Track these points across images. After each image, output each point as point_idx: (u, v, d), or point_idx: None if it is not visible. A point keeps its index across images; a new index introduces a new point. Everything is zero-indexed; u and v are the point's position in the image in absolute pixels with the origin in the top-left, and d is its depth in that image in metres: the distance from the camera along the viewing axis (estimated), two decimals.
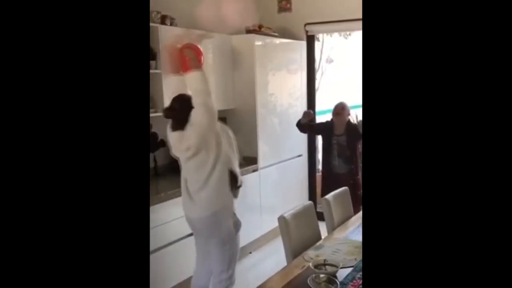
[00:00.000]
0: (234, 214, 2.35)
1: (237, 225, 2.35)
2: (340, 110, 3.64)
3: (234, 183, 2.30)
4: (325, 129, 3.73)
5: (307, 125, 3.77)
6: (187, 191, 2.31)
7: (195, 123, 2.19)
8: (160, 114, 3.01)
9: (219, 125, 2.29)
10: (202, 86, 2.24)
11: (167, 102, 3.06)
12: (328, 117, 3.84)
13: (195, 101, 2.21)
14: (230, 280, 2.34)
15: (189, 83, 2.27)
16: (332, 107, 3.82)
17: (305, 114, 3.76)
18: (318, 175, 5.00)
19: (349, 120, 3.70)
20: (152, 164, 3.31)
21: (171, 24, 3.15)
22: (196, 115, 2.19)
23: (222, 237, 2.29)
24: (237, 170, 2.35)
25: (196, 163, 2.24)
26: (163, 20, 3.10)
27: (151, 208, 2.60)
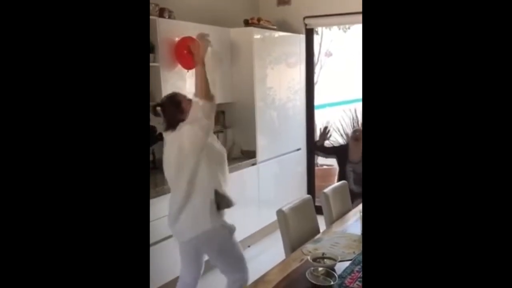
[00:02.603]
0: (224, 225, 2.22)
1: (230, 231, 2.25)
2: (359, 136, 3.50)
3: (223, 205, 2.20)
4: (339, 153, 3.61)
5: (321, 147, 3.67)
6: (169, 209, 2.27)
7: (185, 139, 2.13)
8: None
9: (208, 142, 2.17)
10: (210, 113, 2.15)
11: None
12: (327, 113, 3.83)
13: (196, 121, 2.12)
14: (244, 276, 2.27)
15: (203, 109, 2.13)
16: (330, 101, 3.81)
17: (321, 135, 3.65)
18: (317, 169, 5.02)
19: None
20: (150, 158, 3.31)
21: (169, 17, 3.13)
22: (189, 134, 2.12)
23: (217, 249, 2.24)
24: (226, 190, 2.23)
25: (174, 181, 2.21)
26: (161, 13, 3.08)
27: (150, 202, 2.60)
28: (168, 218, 2.30)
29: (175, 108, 2.20)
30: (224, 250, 2.24)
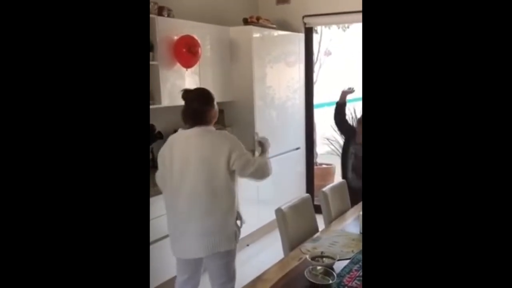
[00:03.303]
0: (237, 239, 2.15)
1: (237, 239, 2.16)
2: None
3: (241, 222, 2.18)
4: (348, 132, 3.55)
5: (343, 119, 3.57)
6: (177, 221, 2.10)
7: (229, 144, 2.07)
8: (157, 106, 3.01)
9: None
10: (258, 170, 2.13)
11: (165, 94, 3.06)
12: (326, 111, 3.83)
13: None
14: (233, 282, 2.20)
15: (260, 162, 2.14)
16: (329, 100, 3.81)
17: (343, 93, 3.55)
18: (316, 168, 5.02)
19: None
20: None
21: (168, 16, 3.13)
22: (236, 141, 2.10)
23: (223, 261, 2.13)
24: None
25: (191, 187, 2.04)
26: (160, 11, 3.07)
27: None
28: (174, 233, 2.14)
29: (209, 106, 2.12)
30: (228, 258, 2.15)
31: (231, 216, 2.08)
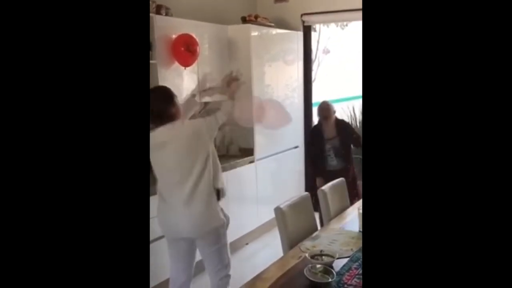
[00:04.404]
0: (223, 218, 2.25)
1: (227, 223, 2.28)
2: (327, 113, 3.56)
3: (221, 195, 2.27)
4: (315, 135, 3.65)
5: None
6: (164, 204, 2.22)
7: (197, 130, 2.16)
8: None
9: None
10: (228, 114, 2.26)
11: None
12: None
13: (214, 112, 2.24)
14: (228, 273, 2.28)
15: (224, 106, 2.27)
16: (328, 98, 3.80)
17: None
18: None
19: (336, 119, 3.62)
20: None
21: (166, 14, 3.12)
22: (203, 125, 2.18)
23: (213, 243, 2.22)
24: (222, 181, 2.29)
25: (177, 175, 2.14)
26: (158, 10, 3.06)
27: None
28: (163, 214, 2.24)
29: (168, 102, 2.16)
30: (217, 242, 2.22)
31: (212, 195, 2.19)
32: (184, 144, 2.13)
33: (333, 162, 3.57)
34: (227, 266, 2.27)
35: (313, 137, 3.72)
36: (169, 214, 2.21)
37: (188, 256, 2.31)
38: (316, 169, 3.71)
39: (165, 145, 2.13)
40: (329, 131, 3.58)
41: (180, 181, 2.14)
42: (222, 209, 2.27)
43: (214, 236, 2.20)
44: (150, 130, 2.13)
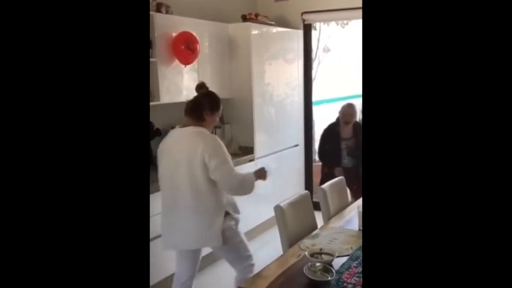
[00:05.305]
0: (233, 223, 2.23)
1: (236, 222, 2.26)
2: (350, 119, 3.66)
3: (236, 211, 2.27)
4: (331, 133, 3.73)
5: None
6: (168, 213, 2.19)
7: (217, 140, 2.12)
8: (156, 103, 3.01)
9: None
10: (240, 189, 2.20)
11: (163, 91, 3.05)
12: (324, 108, 3.84)
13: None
14: (250, 262, 2.28)
15: (247, 181, 2.18)
16: (328, 97, 3.81)
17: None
18: (315, 164, 5.01)
19: (355, 121, 3.74)
20: None
21: (166, 12, 3.12)
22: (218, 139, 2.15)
23: (225, 245, 2.19)
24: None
25: (184, 180, 2.09)
26: (158, 8, 3.06)
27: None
28: (167, 225, 2.21)
29: (214, 111, 2.18)
30: (232, 244, 2.21)
31: (218, 216, 2.13)
32: (191, 162, 2.06)
33: (344, 160, 3.68)
34: (247, 258, 2.27)
35: (329, 135, 3.76)
36: (169, 226, 2.21)
37: (192, 260, 2.31)
38: (328, 164, 3.76)
39: (171, 151, 2.14)
40: (347, 132, 3.69)
41: (175, 193, 2.13)
42: (234, 207, 2.25)
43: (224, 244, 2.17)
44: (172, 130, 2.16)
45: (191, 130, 2.13)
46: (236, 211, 2.28)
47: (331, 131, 3.77)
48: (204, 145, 2.05)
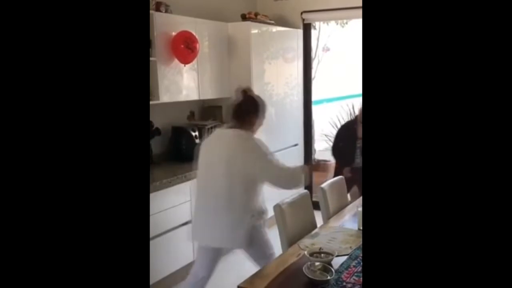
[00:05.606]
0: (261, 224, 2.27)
1: (264, 222, 2.30)
2: None
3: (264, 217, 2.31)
4: (347, 131, 3.67)
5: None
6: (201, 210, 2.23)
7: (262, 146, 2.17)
8: (155, 102, 3.01)
9: None
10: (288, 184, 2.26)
11: (162, 90, 3.05)
12: (324, 107, 3.82)
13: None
14: (272, 253, 2.30)
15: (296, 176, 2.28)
16: (327, 96, 3.80)
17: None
18: (315, 164, 5.01)
19: None
20: None
21: (166, 11, 3.11)
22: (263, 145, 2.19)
23: (253, 246, 2.22)
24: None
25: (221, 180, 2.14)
26: (157, 7, 3.06)
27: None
28: (199, 219, 2.26)
29: (258, 114, 2.23)
30: (256, 243, 2.23)
31: (246, 218, 2.16)
32: (231, 160, 2.12)
33: (357, 159, 3.63)
34: (270, 256, 2.28)
35: (345, 132, 3.70)
36: (199, 220, 2.26)
37: (213, 258, 2.32)
38: (341, 162, 3.71)
39: (213, 150, 2.20)
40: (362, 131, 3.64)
41: (210, 190, 2.18)
42: (264, 209, 2.27)
43: (252, 240, 2.20)
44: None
45: (235, 132, 2.18)
46: (265, 212, 2.29)
47: (348, 129, 3.70)
48: (247, 148, 2.13)
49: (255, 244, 2.22)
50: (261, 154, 2.15)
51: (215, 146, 2.22)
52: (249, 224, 2.16)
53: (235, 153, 2.12)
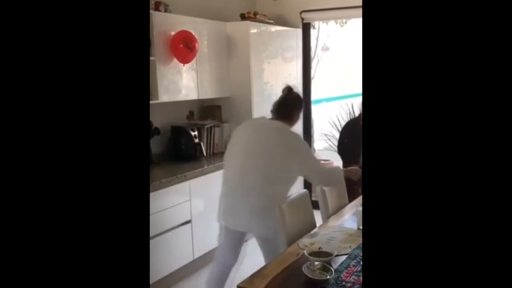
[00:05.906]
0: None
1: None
2: None
3: None
4: (352, 130, 3.58)
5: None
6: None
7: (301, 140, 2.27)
8: (154, 101, 3.00)
9: None
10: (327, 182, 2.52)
11: (162, 90, 3.05)
12: (323, 107, 3.81)
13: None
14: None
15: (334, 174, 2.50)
16: (327, 95, 3.80)
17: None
18: None
19: None
20: None
21: (165, 11, 3.11)
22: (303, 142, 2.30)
23: (272, 238, 2.26)
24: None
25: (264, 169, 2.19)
26: (157, 6, 3.06)
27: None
28: (228, 204, 2.28)
29: (299, 109, 2.38)
30: (277, 238, 2.26)
31: (278, 204, 2.22)
32: (264, 151, 2.18)
33: (361, 157, 3.60)
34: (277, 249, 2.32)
35: (350, 129, 3.63)
36: (229, 205, 2.29)
37: (239, 244, 2.40)
38: (346, 159, 3.68)
39: (249, 136, 2.27)
40: None
41: (243, 177, 2.23)
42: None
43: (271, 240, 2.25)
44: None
45: (276, 124, 2.26)
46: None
47: (353, 126, 3.66)
48: (289, 140, 2.22)
49: (275, 239, 2.25)
50: (303, 147, 2.24)
51: (254, 134, 2.27)
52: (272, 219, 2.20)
53: (277, 143, 2.18)
